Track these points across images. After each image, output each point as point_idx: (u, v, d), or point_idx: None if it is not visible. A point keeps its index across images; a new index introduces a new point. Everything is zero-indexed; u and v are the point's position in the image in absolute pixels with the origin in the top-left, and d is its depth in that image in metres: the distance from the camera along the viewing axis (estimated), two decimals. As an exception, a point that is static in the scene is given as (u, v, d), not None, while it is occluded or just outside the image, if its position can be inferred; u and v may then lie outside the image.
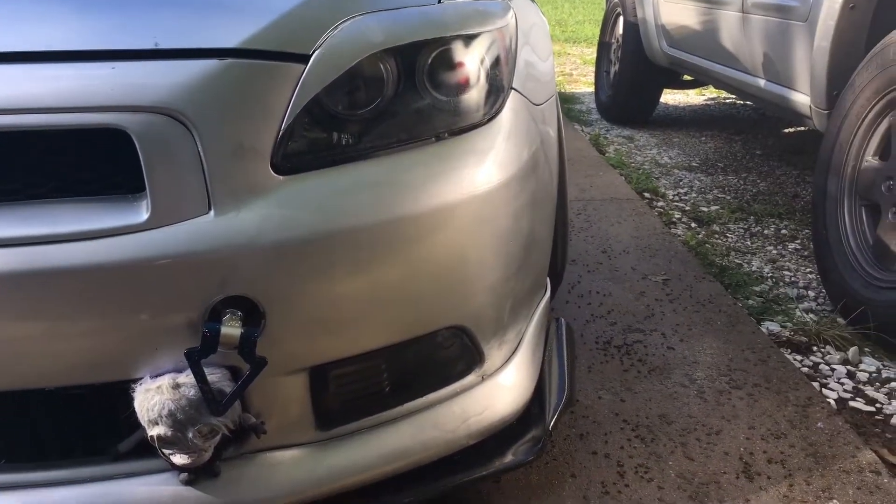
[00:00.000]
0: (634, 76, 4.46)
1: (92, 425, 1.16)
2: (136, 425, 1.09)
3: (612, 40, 4.86)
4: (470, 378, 1.33)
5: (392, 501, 1.25)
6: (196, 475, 1.13)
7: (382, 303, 1.17)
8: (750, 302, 2.27)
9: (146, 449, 1.12)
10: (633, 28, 4.41)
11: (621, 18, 4.64)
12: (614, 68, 4.75)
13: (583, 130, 4.55)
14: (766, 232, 2.90)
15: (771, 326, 2.13)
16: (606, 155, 3.97)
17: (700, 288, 2.32)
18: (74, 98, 0.99)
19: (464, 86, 1.24)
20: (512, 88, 1.34)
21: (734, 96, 5.44)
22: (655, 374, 1.83)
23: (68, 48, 1.03)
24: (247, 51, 1.06)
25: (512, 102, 1.33)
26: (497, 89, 1.29)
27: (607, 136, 4.45)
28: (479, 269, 1.26)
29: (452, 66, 1.23)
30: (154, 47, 1.05)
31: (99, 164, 1.06)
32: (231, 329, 1.04)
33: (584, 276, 2.38)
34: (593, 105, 5.18)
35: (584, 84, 6.15)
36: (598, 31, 5.12)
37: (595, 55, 5.27)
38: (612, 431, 1.60)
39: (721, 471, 1.49)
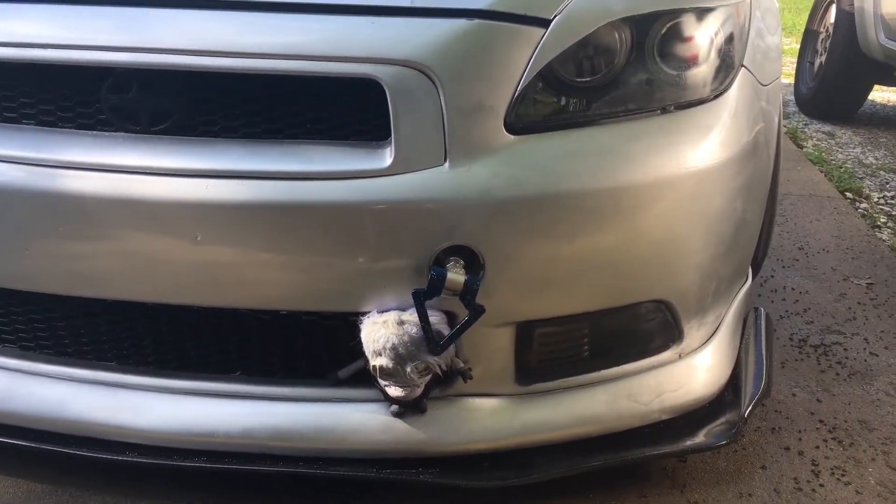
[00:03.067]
0: (843, 69, 4.16)
1: (316, 351, 1.27)
2: (356, 355, 1.19)
3: (821, 29, 4.55)
4: (667, 354, 1.33)
5: (581, 464, 1.28)
6: (405, 409, 1.21)
7: (593, 268, 1.19)
8: (965, 318, 2.09)
9: (362, 378, 1.21)
10: (846, 17, 4.11)
11: (834, 6, 4.33)
12: (820, 59, 4.45)
13: (778, 123, 4.31)
14: None
15: None
16: (805, 150, 3.75)
17: (909, 297, 2.16)
18: (337, 48, 1.08)
19: (694, 60, 1.23)
20: (742, 66, 1.31)
21: (955, 98, 4.96)
22: (856, 378, 1.73)
23: (333, 2, 1.12)
24: (494, 12, 1.11)
25: (740, 80, 1.30)
26: (727, 66, 1.27)
27: (805, 130, 4.20)
28: (689, 247, 1.26)
29: (685, 39, 1.22)
30: (410, 5, 1.11)
31: (348, 110, 1.14)
32: (456, 275, 1.10)
33: (778, 271, 2.29)
34: (791, 97, 4.89)
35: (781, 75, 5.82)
36: (797, 20, 4.82)
37: (794, 45, 4.97)
38: (806, 430, 1.54)
39: (927, 486, 1.40)
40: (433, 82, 1.08)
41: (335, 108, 1.14)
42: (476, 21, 1.10)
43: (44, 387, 1.28)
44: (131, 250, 1.13)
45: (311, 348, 1.26)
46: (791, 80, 4.99)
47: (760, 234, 1.66)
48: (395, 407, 1.21)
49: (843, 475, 1.42)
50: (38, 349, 1.30)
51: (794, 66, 4.88)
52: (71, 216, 1.12)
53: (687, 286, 1.28)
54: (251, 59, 1.09)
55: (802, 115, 4.54)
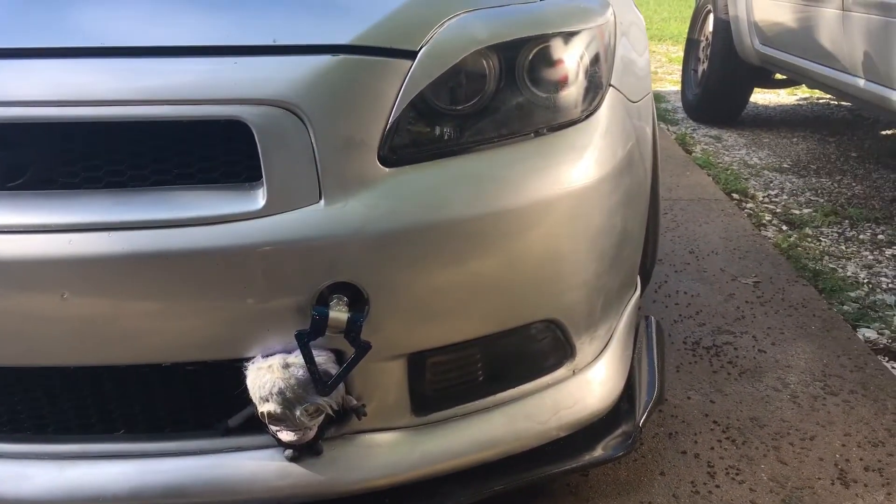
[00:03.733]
0: (724, 74, 4.36)
1: (203, 401, 1.22)
2: (245, 402, 1.15)
3: (701, 38, 4.76)
4: (561, 371, 1.35)
5: (484, 488, 1.28)
6: (300, 452, 1.18)
7: (480, 294, 1.20)
8: (845, 307, 2.21)
9: (253, 425, 1.18)
10: (723, 25, 4.31)
11: (711, 15, 4.54)
12: (702, 66, 4.65)
13: (669, 129, 4.48)
14: (861, 237, 2.81)
15: (867, 333, 2.06)
16: (693, 154, 3.90)
17: (792, 291, 2.26)
18: (201, 91, 1.05)
19: (563, 82, 1.26)
20: (610, 85, 1.35)
21: (828, 96, 5.26)
22: (746, 376, 1.80)
23: (195, 44, 1.09)
24: (359, 47, 1.10)
25: (609, 99, 1.34)
26: (595, 86, 1.30)
27: (694, 135, 4.37)
28: (573, 265, 1.28)
29: (553, 62, 1.24)
30: (272, 43, 1.10)
31: (217, 153, 1.11)
32: (339, 313, 1.08)
33: (671, 276, 2.36)
34: (679, 104, 5.09)
35: (669, 82, 6.05)
36: (683, 29, 5.03)
37: (680, 53, 5.17)
38: (701, 432, 1.59)
39: (816, 476, 1.46)
40: (301, 120, 1.07)
41: (204, 151, 1.11)
42: (341, 56, 1.10)
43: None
44: (-6, 313, 1.07)
45: (197, 399, 1.22)
46: (678, 88, 5.19)
47: (646, 244, 1.71)
48: (289, 451, 1.18)
49: (737, 474, 1.47)
50: None
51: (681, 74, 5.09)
52: (-77, 282, 1.05)
53: (574, 303, 1.31)
54: (111, 106, 1.05)
55: (691, 121, 4.73)
